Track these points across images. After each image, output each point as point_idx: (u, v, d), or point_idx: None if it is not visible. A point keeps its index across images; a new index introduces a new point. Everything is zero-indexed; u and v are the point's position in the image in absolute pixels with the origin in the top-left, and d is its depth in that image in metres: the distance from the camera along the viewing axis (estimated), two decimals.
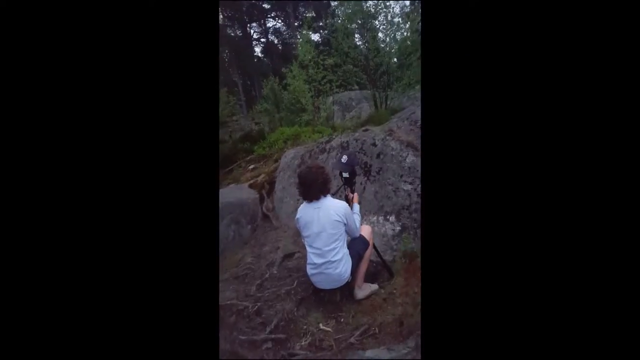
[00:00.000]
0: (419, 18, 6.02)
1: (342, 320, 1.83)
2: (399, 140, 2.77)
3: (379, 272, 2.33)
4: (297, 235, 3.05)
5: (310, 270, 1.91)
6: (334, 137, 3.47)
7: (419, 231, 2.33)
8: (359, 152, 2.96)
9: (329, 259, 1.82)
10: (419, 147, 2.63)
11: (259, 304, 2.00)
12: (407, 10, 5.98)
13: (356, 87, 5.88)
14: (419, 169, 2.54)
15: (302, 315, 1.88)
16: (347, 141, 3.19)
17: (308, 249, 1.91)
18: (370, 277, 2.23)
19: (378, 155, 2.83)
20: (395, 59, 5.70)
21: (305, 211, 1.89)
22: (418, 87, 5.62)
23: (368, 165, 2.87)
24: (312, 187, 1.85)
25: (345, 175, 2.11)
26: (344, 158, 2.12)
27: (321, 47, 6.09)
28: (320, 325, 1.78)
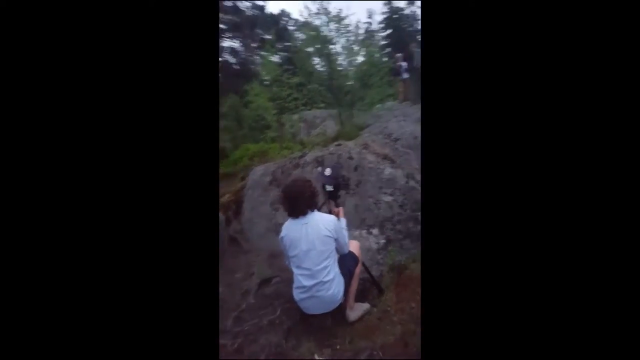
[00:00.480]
0: (379, 43, 6.44)
1: (338, 347, 1.64)
2: (375, 153, 2.77)
3: (367, 289, 2.20)
4: (273, 257, 2.81)
5: (298, 295, 1.72)
6: (307, 152, 3.37)
7: (404, 243, 2.28)
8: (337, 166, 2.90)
9: (320, 279, 1.65)
10: (396, 159, 2.65)
11: (239, 340, 1.72)
12: (362, 37, 6.34)
13: (322, 105, 5.95)
14: (399, 180, 2.54)
15: (292, 347, 1.65)
16: (322, 156, 3.12)
17: (295, 270, 1.72)
18: (358, 296, 2.09)
19: (355, 168, 2.78)
20: (354, 81, 5.93)
21: (291, 228, 1.72)
22: (380, 105, 5.89)
23: (346, 179, 2.81)
24: (299, 201, 1.70)
25: (330, 188, 2.00)
26: (328, 171, 2.02)
27: (285, 67, 6.13)
28: (316, 356, 1.58)
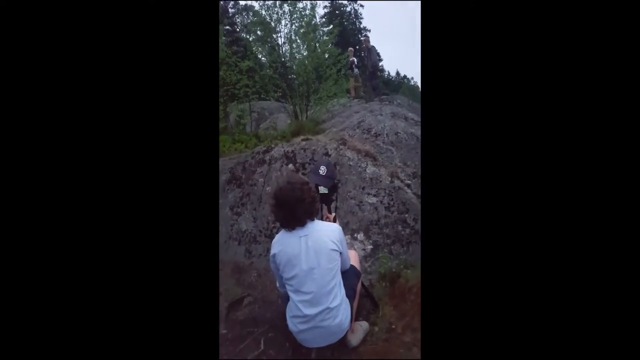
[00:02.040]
0: (335, 31, 6.24)
1: None
2: (355, 149, 2.54)
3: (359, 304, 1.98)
4: (239, 272, 2.37)
5: (297, 326, 1.37)
6: (272, 146, 2.96)
7: (394, 248, 2.11)
8: (312, 163, 2.57)
9: (326, 305, 1.33)
10: (378, 156, 2.46)
11: None
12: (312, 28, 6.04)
13: (272, 97, 5.49)
14: (382, 179, 2.37)
15: None
16: (292, 151, 2.75)
17: (292, 296, 1.37)
18: None
19: (334, 166, 2.51)
20: (308, 73, 5.63)
21: (287, 243, 1.36)
22: (334, 100, 5.72)
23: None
24: (296, 209, 1.34)
25: (324, 190, 1.68)
26: (322, 169, 1.69)
27: (235, 48, 5.45)
28: None
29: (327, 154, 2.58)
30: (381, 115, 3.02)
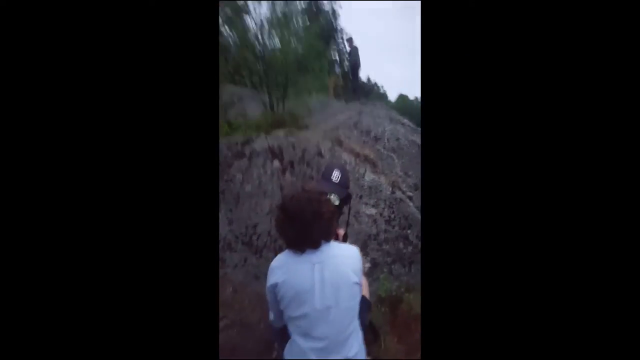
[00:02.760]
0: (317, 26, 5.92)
1: None
2: (352, 152, 2.25)
3: None
4: None
5: None
6: (252, 137, 2.55)
7: (394, 267, 1.88)
8: (301, 163, 2.23)
9: (344, 355, 1.01)
10: (378, 163, 2.21)
11: None
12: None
13: (247, 82, 4.99)
14: (383, 189, 2.12)
15: None
16: (278, 146, 2.38)
17: (299, 340, 1.02)
18: None
19: (348, 172, 2.20)
20: (288, 63, 5.26)
21: (294, 270, 1.00)
22: (315, 96, 5.41)
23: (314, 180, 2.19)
24: (312, 226, 1.00)
25: (336, 201, 1.34)
26: (336, 174, 1.34)
27: None
28: None
29: (319, 154, 2.26)
30: (379, 117, 2.79)
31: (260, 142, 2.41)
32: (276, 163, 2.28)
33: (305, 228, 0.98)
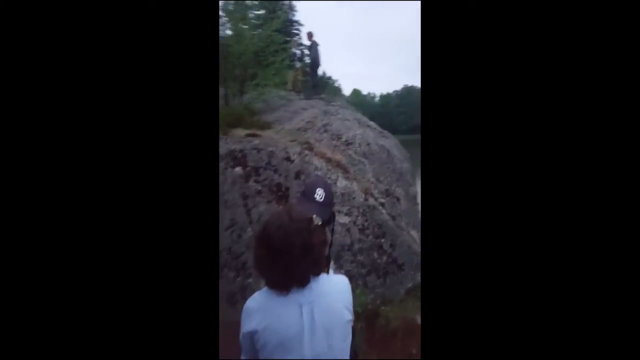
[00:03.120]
0: (280, 18, 5.62)
1: None
2: (324, 157, 2.14)
3: None
4: None
5: None
6: None
7: (369, 279, 1.82)
8: (268, 168, 2.03)
9: None
10: (350, 169, 2.13)
11: None
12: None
13: None
14: (356, 196, 2.04)
15: None
16: (240, 150, 2.15)
17: None
18: None
19: (297, 176, 2.05)
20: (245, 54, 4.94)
21: (278, 315, 0.83)
22: (275, 91, 5.16)
23: (283, 188, 2.02)
24: (301, 261, 0.85)
25: (318, 221, 1.19)
26: (319, 193, 1.17)
27: None
28: None
29: (288, 159, 2.09)
30: (348, 120, 2.70)
31: (222, 145, 2.15)
32: (238, 169, 2.06)
33: (293, 264, 0.83)
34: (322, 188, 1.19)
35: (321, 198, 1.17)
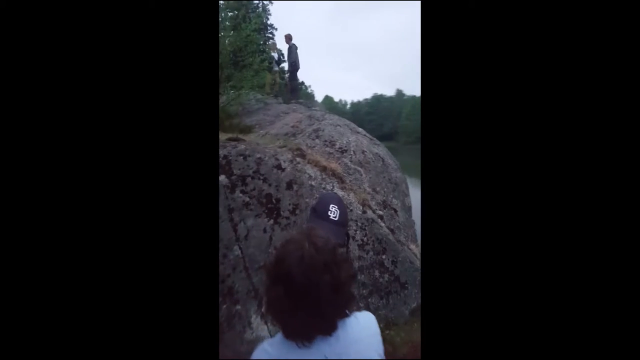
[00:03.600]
0: (260, 18, 5.39)
1: None
2: (318, 165, 1.96)
3: None
4: None
5: None
6: None
7: (372, 301, 1.67)
8: (256, 177, 1.81)
9: None
10: (346, 178, 1.98)
11: None
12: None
13: None
14: (354, 208, 1.88)
15: None
16: (225, 156, 1.91)
17: None
18: None
19: (289, 186, 1.85)
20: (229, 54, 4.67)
21: None
22: (252, 94, 4.91)
23: (273, 200, 1.80)
24: (329, 302, 0.67)
25: (342, 250, 1.00)
26: (333, 210, 0.99)
27: None
28: None
29: (279, 167, 1.89)
30: (339, 126, 2.54)
31: None
32: (222, 178, 1.82)
33: (318, 306, 0.64)
34: (336, 205, 1.02)
35: (335, 216, 1.00)
